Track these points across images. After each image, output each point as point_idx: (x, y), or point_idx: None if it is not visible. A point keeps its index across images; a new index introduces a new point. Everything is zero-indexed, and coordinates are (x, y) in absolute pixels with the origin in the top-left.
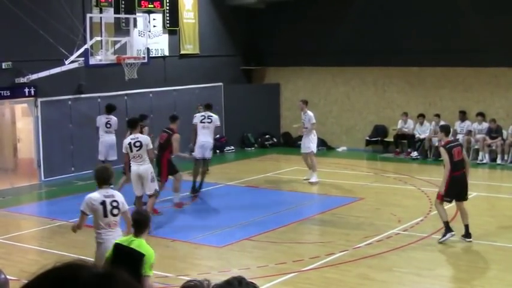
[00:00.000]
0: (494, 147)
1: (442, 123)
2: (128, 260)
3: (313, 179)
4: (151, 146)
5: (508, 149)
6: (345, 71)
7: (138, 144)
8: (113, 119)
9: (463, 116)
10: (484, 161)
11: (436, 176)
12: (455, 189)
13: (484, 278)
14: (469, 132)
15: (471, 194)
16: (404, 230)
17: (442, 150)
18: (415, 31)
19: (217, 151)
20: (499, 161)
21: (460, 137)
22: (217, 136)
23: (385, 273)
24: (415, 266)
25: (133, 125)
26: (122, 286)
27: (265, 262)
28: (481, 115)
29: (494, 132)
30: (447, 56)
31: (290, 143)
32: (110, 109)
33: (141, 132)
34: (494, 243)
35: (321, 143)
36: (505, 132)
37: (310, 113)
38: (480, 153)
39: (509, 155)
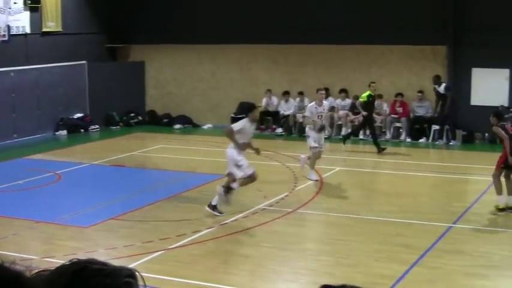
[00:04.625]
0: (356, 123)
1: (306, 100)
2: None
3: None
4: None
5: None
6: (210, 49)
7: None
8: None
9: (326, 92)
10: None
11: (301, 152)
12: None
13: (347, 250)
14: (332, 108)
15: (335, 168)
16: (270, 205)
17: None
18: (277, 9)
19: (82, 130)
20: (361, 136)
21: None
22: (82, 115)
23: (252, 249)
24: (282, 241)
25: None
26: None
27: (132, 241)
28: (344, 91)
29: (357, 108)
30: (310, 33)
31: (155, 121)
32: None
33: None
34: (356, 216)
35: (187, 120)
36: None
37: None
38: (343, 129)
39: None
